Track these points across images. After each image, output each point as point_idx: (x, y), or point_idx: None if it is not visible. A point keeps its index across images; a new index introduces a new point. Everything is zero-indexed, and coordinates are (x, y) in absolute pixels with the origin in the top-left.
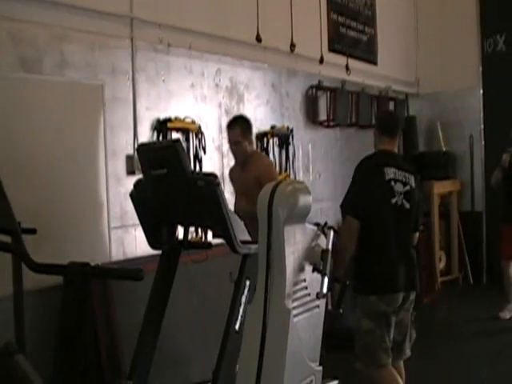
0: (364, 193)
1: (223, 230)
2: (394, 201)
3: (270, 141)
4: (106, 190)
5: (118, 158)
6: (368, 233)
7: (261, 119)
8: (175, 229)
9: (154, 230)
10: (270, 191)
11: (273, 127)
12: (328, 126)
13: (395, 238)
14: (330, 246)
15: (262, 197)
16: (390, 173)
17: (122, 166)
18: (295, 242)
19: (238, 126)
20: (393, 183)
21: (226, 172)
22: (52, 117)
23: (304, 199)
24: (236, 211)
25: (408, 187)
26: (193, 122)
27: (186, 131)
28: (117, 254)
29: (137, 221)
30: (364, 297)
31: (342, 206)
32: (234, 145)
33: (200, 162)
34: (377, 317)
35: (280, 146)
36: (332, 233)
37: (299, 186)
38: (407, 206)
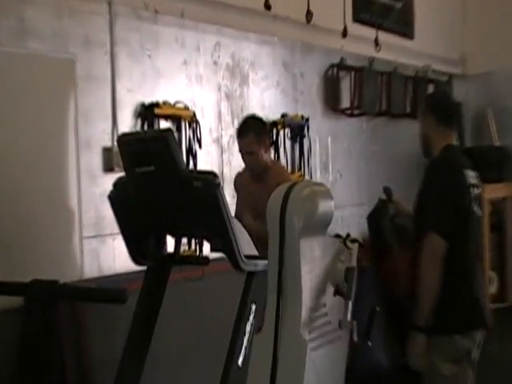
0: (449, 204)
1: (224, 241)
2: (475, 211)
3: (281, 132)
4: (78, 190)
5: (92, 151)
6: (451, 255)
7: (269, 106)
8: (164, 239)
9: (137, 241)
10: (283, 194)
11: (284, 116)
12: (352, 115)
13: (477, 258)
14: (354, 263)
15: (273, 201)
16: (469, 176)
17: (97, 161)
18: (313, 257)
19: (252, 131)
20: (471, 189)
21: (227, 170)
22: (9, 98)
23: (325, 205)
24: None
25: (479, 190)
26: (185, 108)
27: (177, 119)
28: (91, 270)
29: (116, 229)
30: (445, 337)
31: (419, 221)
32: (248, 155)
33: (194, 157)
34: (462, 358)
35: (292, 139)
36: (357, 247)
37: (319, 189)
38: (480, 213)
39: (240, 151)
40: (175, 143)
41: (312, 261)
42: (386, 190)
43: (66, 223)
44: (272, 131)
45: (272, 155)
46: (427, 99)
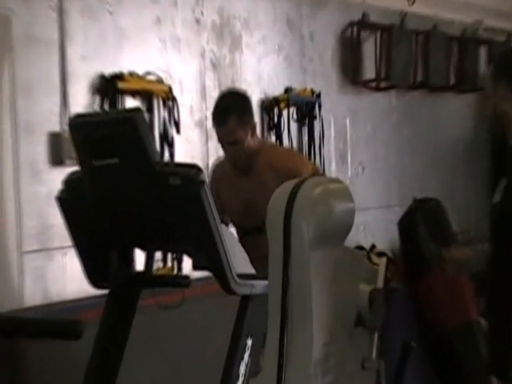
0: None
1: (211, 256)
2: None
3: (284, 113)
4: (16, 190)
5: (35, 138)
6: None
7: (268, 78)
8: (132, 254)
9: (96, 257)
10: (288, 194)
11: (288, 91)
12: (377, 89)
13: None
14: (382, 284)
15: (275, 203)
16: None
17: (42, 150)
18: (327, 276)
19: (233, 115)
20: None
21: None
22: None
23: (342, 208)
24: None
25: None
26: (159, 82)
27: (147, 96)
28: (33, 296)
29: (68, 240)
30: None
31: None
32: (231, 145)
33: (171, 146)
34: None
35: (299, 122)
36: (385, 262)
37: (335, 187)
38: None
39: (220, 141)
40: (146, 127)
41: (326, 281)
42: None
43: (0, 234)
44: (272, 111)
45: (259, 135)
46: (498, 60)
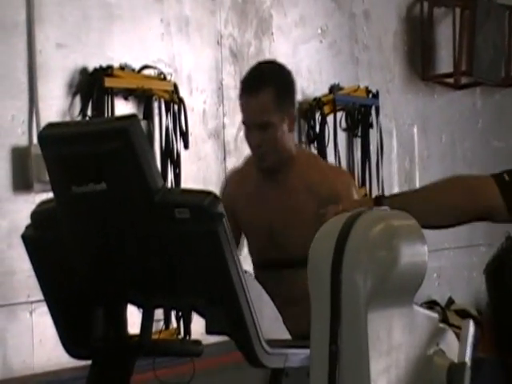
0: None
1: (230, 316)
2: None
3: (329, 119)
4: None
5: None
6: None
7: (308, 72)
8: (122, 312)
9: (75, 315)
10: (338, 234)
11: (334, 89)
12: (456, 87)
13: None
14: (467, 356)
15: (319, 245)
16: None
17: (2, 171)
18: (392, 345)
19: (270, 86)
20: None
21: None
22: None
23: (411, 252)
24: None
25: None
26: (160, 78)
27: (145, 97)
28: None
29: (37, 293)
30: None
31: None
32: (259, 130)
33: (177, 165)
34: None
35: (350, 131)
36: (471, 327)
37: (401, 224)
38: None
39: (244, 123)
40: (143, 141)
41: (389, 351)
42: None
43: None
44: (311, 117)
45: (297, 142)
46: None
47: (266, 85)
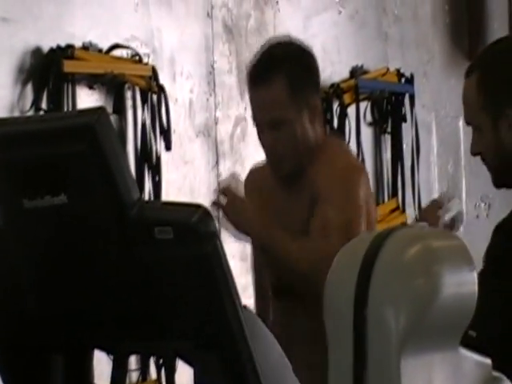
0: None
1: (225, 364)
2: None
3: (350, 111)
4: None
5: None
6: None
7: (323, 51)
8: (88, 362)
9: (27, 365)
10: (363, 259)
11: (357, 72)
12: None
13: None
14: None
15: (338, 273)
16: None
17: None
18: None
19: (282, 73)
20: None
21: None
22: None
23: (456, 281)
24: (260, 315)
25: None
26: (135, 60)
27: (116, 85)
28: None
29: None
30: None
31: None
32: (272, 130)
33: (156, 171)
34: None
35: (377, 126)
36: None
37: (442, 245)
38: None
39: (255, 121)
40: (114, 141)
41: None
42: None
43: None
44: (330, 108)
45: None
46: None
47: (276, 72)
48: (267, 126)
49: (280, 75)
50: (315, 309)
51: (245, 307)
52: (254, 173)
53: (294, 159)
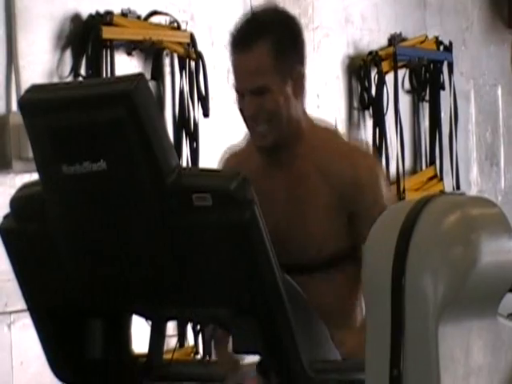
0: None
1: (264, 330)
2: None
3: (388, 79)
4: None
5: None
6: None
7: (361, 18)
8: (126, 326)
9: (66, 329)
10: (400, 227)
11: (395, 40)
12: None
13: None
14: None
15: (376, 243)
16: None
17: None
18: (470, 368)
19: (265, 38)
20: None
21: None
22: None
23: (495, 249)
24: None
25: None
26: (173, 27)
27: (154, 52)
28: None
29: (17, 302)
30: None
31: None
32: (254, 97)
33: (194, 138)
34: None
35: (416, 94)
36: None
37: (481, 213)
38: None
39: (237, 89)
40: (152, 108)
41: (467, 376)
42: None
43: None
44: (367, 76)
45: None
46: None
47: (258, 37)
48: (249, 92)
49: (263, 42)
50: (327, 284)
51: (284, 274)
52: (231, 158)
53: (278, 129)
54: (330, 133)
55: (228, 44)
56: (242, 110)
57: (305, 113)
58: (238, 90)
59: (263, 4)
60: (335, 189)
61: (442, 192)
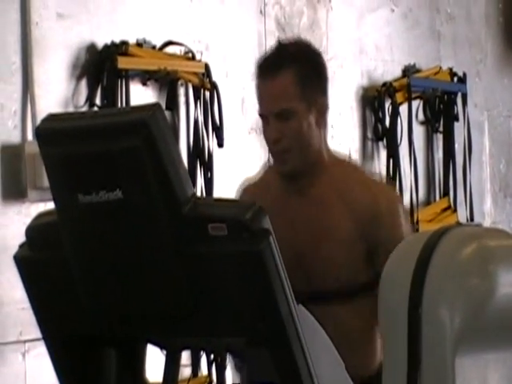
0: None
1: (278, 361)
2: None
3: (402, 110)
4: None
5: None
6: None
7: (376, 49)
8: (141, 356)
9: (80, 358)
10: (418, 258)
11: (409, 72)
12: None
13: None
14: None
15: (393, 273)
16: None
17: None
18: None
19: (291, 68)
20: None
21: None
22: None
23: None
24: None
25: None
26: (188, 57)
27: (169, 82)
28: None
29: (31, 331)
30: None
31: None
32: (279, 121)
33: (208, 167)
34: None
35: (429, 125)
36: None
37: (499, 245)
38: None
39: (260, 115)
40: (168, 137)
41: None
42: None
43: None
44: (381, 107)
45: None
46: None
47: (286, 65)
48: (274, 116)
49: (290, 69)
50: (347, 311)
51: (298, 304)
52: (250, 188)
53: (299, 156)
54: (351, 165)
55: (255, 72)
56: (265, 133)
57: (326, 144)
58: (262, 115)
59: (290, 38)
60: (355, 219)
61: (459, 223)
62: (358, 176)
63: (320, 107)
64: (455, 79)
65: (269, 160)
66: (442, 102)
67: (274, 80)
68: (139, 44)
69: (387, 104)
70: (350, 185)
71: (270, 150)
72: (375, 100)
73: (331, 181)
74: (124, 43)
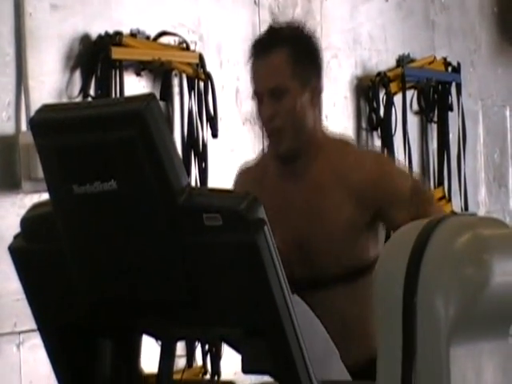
0: None
1: (273, 350)
2: None
3: (396, 100)
4: None
5: None
6: None
7: (370, 39)
8: (136, 346)
9: (75, 348)
10: (412, 247)
11: (403, 61)
12: None
13: None
14: None
15: (388, 261)
16: None
17: None
18: None
19: (285, 48)
20: None
21: None
22: None
23: (508, 270)
24: None
25: None
26: (182, 48)
27: (163, 72)
28: None
29: (26, 322)
30: None
31: None
32: (273, 99)
33: (203, 158)
34: None
35: (424, 115)
36: None
37: (493, 234)
38: None
39: (255, 93)
40: (163, 128)
41: None
42: None
43: None
44: (375, 97)
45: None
46: None
47: (279, 44)
48: (268, 94)
49: (284, 49)
50: (350, 295)
51: (293, 294)
52: (245, 171)
53: (293, 135)
54: (343, 142)
55: (249, 53)
56: (259, 113)
57: (321, 125)
58: (256, 94)
59: (288, 21)
60: (354, 195)
61: (454, 212)
62: (351, 152)
63: (314, 88)
64: (449, 69)
65: (264, 148)
66: (436, 91)
67: (267, 58)
68: (133, 34)
69: (381, 94)
70: (344, 162)
71: (265, 130)
72: (369, 90)
73: (327, 161)
74: (118, 34)
